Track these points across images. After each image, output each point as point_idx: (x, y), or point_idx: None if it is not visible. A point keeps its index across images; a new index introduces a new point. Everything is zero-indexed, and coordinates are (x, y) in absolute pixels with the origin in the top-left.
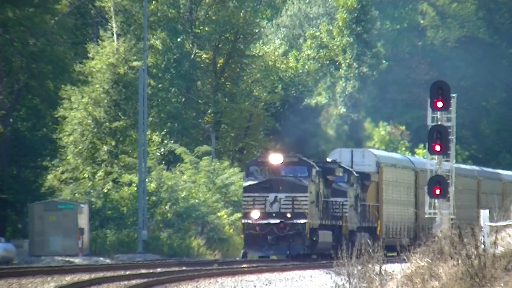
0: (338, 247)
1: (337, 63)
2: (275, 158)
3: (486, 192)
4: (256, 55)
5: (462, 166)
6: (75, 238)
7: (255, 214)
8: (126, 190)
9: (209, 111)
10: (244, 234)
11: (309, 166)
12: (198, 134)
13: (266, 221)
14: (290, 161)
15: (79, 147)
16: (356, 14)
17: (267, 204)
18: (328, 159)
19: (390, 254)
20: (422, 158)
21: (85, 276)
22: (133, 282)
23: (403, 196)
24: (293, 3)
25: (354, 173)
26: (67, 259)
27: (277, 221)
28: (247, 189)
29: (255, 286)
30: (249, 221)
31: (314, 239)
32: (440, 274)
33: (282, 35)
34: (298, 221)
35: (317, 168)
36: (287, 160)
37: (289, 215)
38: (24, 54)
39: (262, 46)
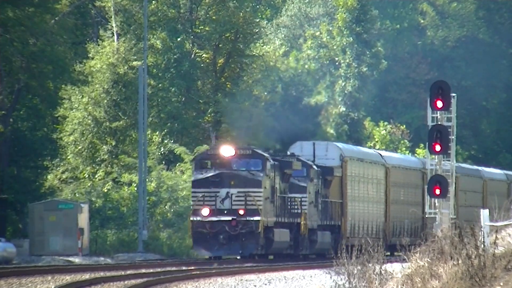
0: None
1: (337, 63)
2: (227, 150)
3: (465, 190)
4: (256, 55)
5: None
6: (75, 238)
7: (205, 211)
8: (126, 190)
9: (209, 111)
10: (192, 232)
11: (263, 159)
12: (198, 134)
13: (216, 219)
14: (242, 153)
15: (79, 147)
16: (356, 14)
17: (217, 200)
18: (289, 153)
19: None
20: (397, 153)
21: (85, 276)
22: (133, 282)
23: (371, 193)
24: (293, 3)
25: (314, 166)
26: (67, 259)
27: (229, 218)
28: (196, 183)
29: (255, 286)
30: (199, 219)
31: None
32: (440, 273)
33: (282, 35)
34: (251, 219)
35: (272, 161)
36: (239, 152)
37: (241, 212)
38: (24, 54)
39: (262, 46)
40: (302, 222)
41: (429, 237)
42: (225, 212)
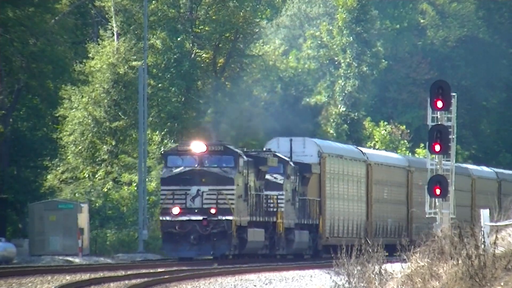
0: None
1: (337, 63)
2: (198, 147)
3: None
4: (256, 54)
5: (425, 160)
6: (75, 237)
7: (175, 210)
8: (126, 189)
9: (209, 111)
10: (162, 233)
11: (235, 156)
12: (198, 134)
13: (187, 218)
14: (214, 149)
15: (79, 147)
16: (356, 14)
17: (188, 198)
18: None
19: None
20: (376, 150)
21: (85, 276)
22: (133, 282)
23: (351, 191)
24: (293, 3)
25: (291, 163)
26: (67, 258)
27: (200, 218)
28: (165, 181)
29: (255, 286)
30: (168, 218)
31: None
32: (440, 274)
33: (282, 35)
34: (223, 218)
35: (245, 158)
36: (211, 148)
37: (213, 211)
38: (24, 54)
39: (262, 46)
40: (278, 221)
41: (429, 237)
42: (196, 211)
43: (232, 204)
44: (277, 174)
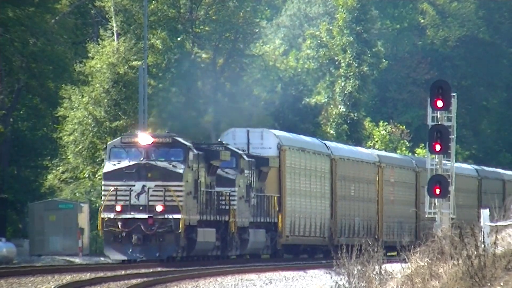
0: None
1: (337, 62)
2: (143, 138)
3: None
4: (256, 54)
5: (397, 156)
6: (75, 237)
7: (118, 207)
8: None
9: (209, 111)
10: (103, 232)
11: (184, 149)
12: (199, 133)
13: (130, 216)
14: (161, 142)
15: (80, 147)
16: (356, 14)
17: (132, 195)
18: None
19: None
20: (342, 145)
21: (85, 276)
22: (133, 282)
23: (314, 187)
24: (293, 3)
25: (245, 156)
26: (67, 258)
27: (145, 216)
28: (107, 176)
29: (255, 286)
30: (110, 216)
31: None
32: (440, 274)
33: (282, 35)
34: (171, 217)
35: (195, 151)
36: (158, 140)
37: (159, 209)
38: (24, 54)
39: (262, 46)
40: (230, 220)
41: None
42: (141, 208)
43: (180, 201)
44: (229, 169)
